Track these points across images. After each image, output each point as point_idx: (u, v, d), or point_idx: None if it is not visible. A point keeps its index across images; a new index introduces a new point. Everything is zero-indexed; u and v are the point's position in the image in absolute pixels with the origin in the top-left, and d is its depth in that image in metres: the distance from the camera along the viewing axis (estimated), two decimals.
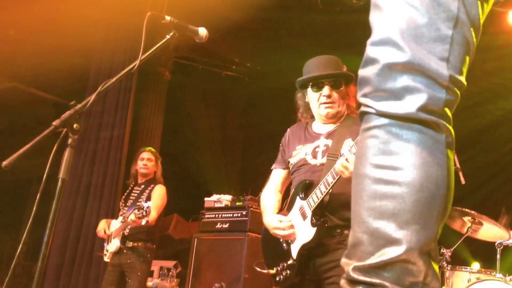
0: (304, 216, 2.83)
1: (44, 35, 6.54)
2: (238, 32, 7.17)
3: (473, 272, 4.31)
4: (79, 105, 2.05)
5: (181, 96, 8.26)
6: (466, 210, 4.43)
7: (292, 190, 3.04)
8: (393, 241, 1.17)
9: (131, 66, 2.27)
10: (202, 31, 2.58)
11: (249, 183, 6.38)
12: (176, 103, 7.99)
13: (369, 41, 1.28)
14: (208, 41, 2.68)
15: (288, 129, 3.31)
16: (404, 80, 1.21)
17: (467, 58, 1.28)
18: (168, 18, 2.47)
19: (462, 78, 1.26)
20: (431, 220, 1.20)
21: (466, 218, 4.51)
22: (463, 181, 4.35)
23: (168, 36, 2.44)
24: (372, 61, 1.25)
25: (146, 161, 5.06)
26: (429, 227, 1.19)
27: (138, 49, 2.25)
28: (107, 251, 4.87)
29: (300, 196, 2.89)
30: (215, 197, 5.30)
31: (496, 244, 4.30)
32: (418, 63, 1.21)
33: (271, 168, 3.31)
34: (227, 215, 5.09)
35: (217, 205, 5.23)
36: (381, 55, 1.23)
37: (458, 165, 4.36)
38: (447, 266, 4.38)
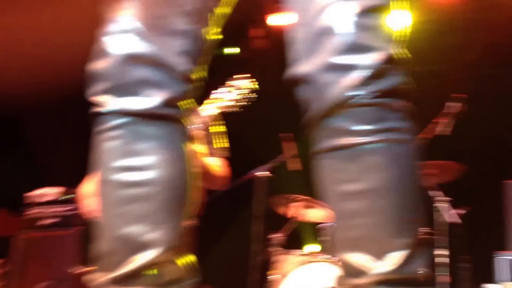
0: None
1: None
2: None
3: (302, 255, 4.48)
4: None
5: None
6: (298, 196, 4.60)
7: None
8: (146, 245, 1.13)
9: None
10: None
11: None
12: None
13: (104, 31, 1.22)
14: None
15: None
16: (145, 73, 1.17)
17: (204, 54, 1.28)
18: None
19: (198, 73, 1.26)
20: (183, 215, 1.20)
21: (296, 204, 4.68)
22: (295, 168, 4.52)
23: None
24: (108, 53, 1.18)
25: None
26: (181, 222, 1.19)
27: None
28: None
29: None
30: (41, 190, 4.96)
31: (318, 226, 4.54)
32: (159, 55, 1.18)
33: None
34: (54, 210, 4.80)
35: (42, 199, 4.91)
36: (121, 45, 1.17)
37: (293, 153, 4.51)
38: (276, 250, 4.50)
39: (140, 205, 1.15)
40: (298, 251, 4.58)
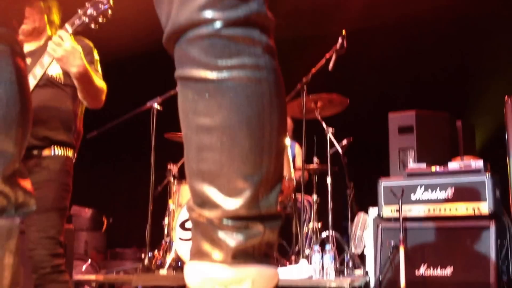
0: None
1: None
2: None
3: None
4: None
5: None
6: None
7: None
8: None
9: None
10: None
11: None
12: None
13: None
14: None
15: None
16: None
17: None
18: None
19: None
20: (14, 138, 1.19)
21: None
22: None
23: None
24: None
25: None
26: (12, 147, 1.19)
27: None
28: None
29: None
30: None
31: None
32: None
33: None
34: None
35: None
36: None
37: None
38: (174, 180, 4.63)
39: None
40: None
